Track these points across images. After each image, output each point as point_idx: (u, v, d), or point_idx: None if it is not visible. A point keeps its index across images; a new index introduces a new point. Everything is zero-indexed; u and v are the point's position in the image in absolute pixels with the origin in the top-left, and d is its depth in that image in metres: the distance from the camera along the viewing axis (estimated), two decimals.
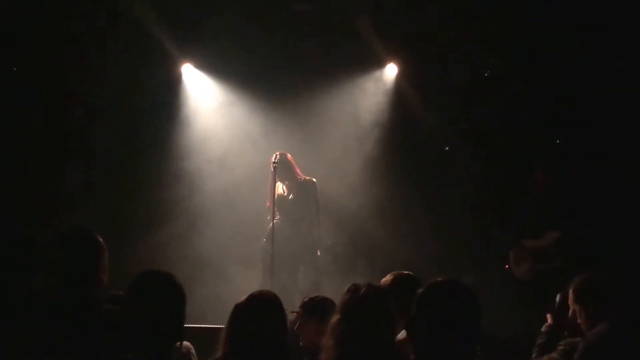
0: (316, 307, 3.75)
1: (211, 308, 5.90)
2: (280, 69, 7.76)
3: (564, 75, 7.34)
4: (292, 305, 5.26)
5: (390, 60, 8.03)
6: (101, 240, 3.24)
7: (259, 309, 3.07)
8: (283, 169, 6.65)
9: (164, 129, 8.00)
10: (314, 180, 6.78)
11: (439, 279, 3.19)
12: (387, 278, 3.76)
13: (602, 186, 6.97)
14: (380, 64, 8.06)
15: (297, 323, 3.84)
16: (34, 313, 2.97)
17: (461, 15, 7.27)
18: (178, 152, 7.96)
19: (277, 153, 6.69)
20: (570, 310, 4.17)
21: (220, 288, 6.57)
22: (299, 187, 6.71)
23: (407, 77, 8.05)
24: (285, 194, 6.75)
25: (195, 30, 7.53)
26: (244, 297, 3.12)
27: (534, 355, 3.96)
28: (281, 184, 6.77)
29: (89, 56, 7.40)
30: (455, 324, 2.41)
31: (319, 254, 6.80)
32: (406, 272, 3.84)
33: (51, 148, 7.49)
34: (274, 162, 6.49)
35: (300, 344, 3.77)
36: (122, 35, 7.34)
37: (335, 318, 3.01)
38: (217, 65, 7.96)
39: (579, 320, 3.66)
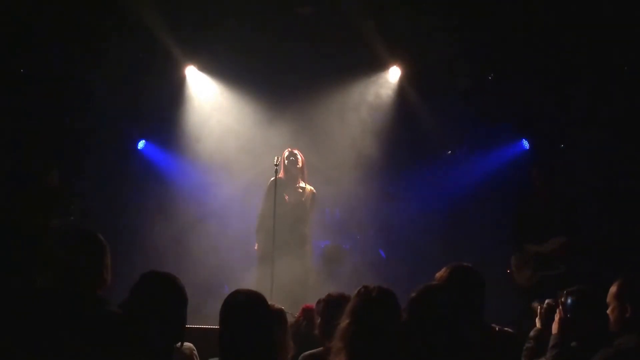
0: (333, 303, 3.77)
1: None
2: (282, 71, 7.75)
3: (566, 78, 7.36)
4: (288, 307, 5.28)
5: (393, 63, 8.01)
6: (104, 239, 3.23)
7: (239, 307, 3.00)
8: (293, 167, 6.67)
9: (167, 130, 8.01)
10: (314, 191, 6.78)
11: (430, 283, 3.19)
12: (444, 272, 3.43)
13: (606, 189, 6.99)
14: (383, 66, 8.04)
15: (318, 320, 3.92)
16: (36, 313, 2.96)
17: (465, 17, 7.27)
18: (181, 154, 7.97)
19: (289, 149, 6.73)
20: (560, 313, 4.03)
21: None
22: (300, 191, 6.70)
23: (411, 79, 8.04)
24: (285, 196, 6.71)
25: (199, 33, 7.53)
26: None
27: None
28: (281, 187, 6.71)
29: (93, 58, 7.42)
30: (446, 325, 2.42)
31: (311, 259, 6.80)
32: (464, 263, 3.50)
33: (51, 150, 7.50)
34: (275, 164, 6.47)
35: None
36: (126, 37, 7.35)
37: (345, 321, 2.97)
38: (220, 68, 7.96)
39: (610, 317, 3.30)
